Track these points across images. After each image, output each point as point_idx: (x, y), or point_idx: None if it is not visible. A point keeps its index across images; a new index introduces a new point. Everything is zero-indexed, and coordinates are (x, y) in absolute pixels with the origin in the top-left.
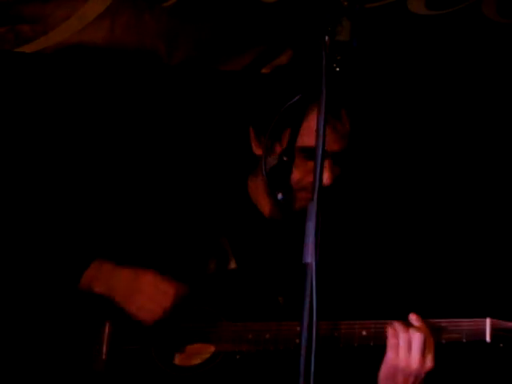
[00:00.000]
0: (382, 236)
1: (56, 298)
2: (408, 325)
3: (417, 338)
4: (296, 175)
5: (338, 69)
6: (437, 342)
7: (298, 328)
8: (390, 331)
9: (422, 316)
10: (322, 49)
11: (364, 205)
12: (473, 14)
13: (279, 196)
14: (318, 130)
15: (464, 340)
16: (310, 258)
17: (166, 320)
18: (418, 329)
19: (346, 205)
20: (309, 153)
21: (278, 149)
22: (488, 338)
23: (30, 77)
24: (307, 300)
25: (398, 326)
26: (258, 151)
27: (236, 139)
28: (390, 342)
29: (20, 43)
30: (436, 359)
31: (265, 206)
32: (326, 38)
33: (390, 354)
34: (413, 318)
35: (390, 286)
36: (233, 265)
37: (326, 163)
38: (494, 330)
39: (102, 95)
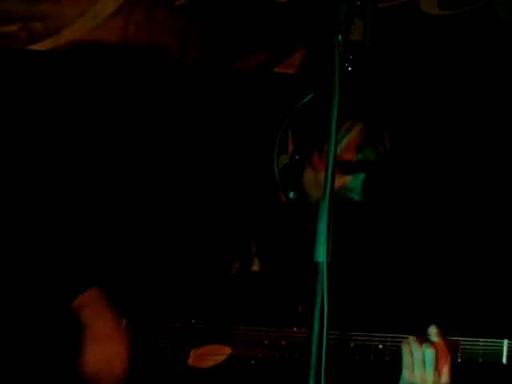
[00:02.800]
0: (402, 246)
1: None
2: (422, 340)
3: (429, 354)
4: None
5: (350, 68)
6: (452, 359)
7: None
8: (404, 349)
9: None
10: (335, 48)
11: (382, 215)
12: (485, 14)
13: (291, 195)
14: (330, 129)
15: (480, 360)
16: (321, 256)
17: (184, 317)
18: (430, 344)
19: (364, 215)
20: (346, 167)
21: (315, 160)
22: (505, 360)
23: (43, 75)
24: (318, 299)
25: (412, 343)
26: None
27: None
28: (405, 360)
29: (33, 41)
30: (453, 375)
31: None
32: (340, 36)
33: (405, 372)
34: (431, 331)
35: (408, 296)
36: (255, 267)
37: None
38: (511, 352)
39: (115, 94)
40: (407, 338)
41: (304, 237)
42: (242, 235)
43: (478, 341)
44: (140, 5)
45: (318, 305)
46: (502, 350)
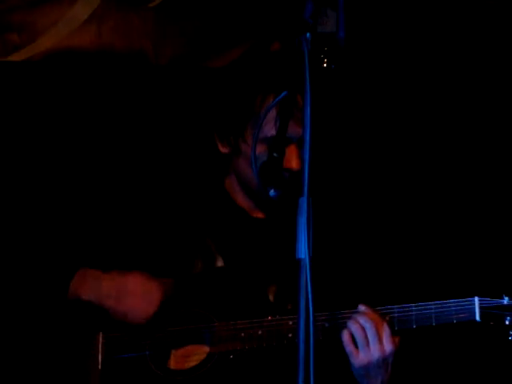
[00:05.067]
0: (367, 227)
1: (47, 312)
2: (357, 319)
3: (369, 328)
4: None
5: (325, 60)
6: (427, 325)
7: (290, 322)
8: (344, 338)
9: (414, 300)
10: (303, 45)
11: (353, 199)
12: None
13: (271, 192)
14: (304, 127)
15: (454, 321)
16: (303, 253)
17: (158, 323)
18: (366, 318)
19: (336, 199)
20: (270, 142)
21: (243, 146)
22: (478, 317)
23: (20, 86)
24: (302, 296)
25: (351, 326)
26: (223, 150)
27: (209, 139)
28: (347, 349)
29: (8, 52)
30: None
31: (243, 203)
32: (308, 34)
33: (352, 360)
34: (361, 309)
35: (376, 274)
36: (220, 263)
37: (292, 149)
38: (483, 309)
39: (92, 99)
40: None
41: (255, 225)
42: (199, 235)
43: (450, 302)
44: (113, 9)
45: (303, 301)
46: (474, 308)
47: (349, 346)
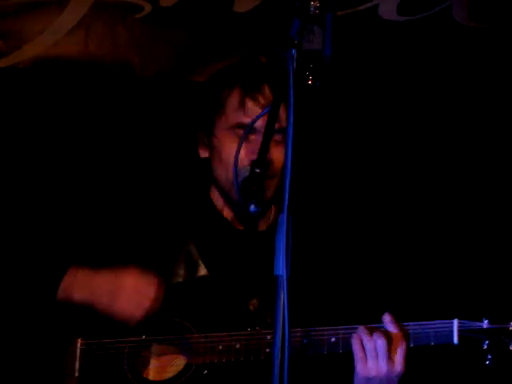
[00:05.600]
0: (349, 241)
1: (27, 317)
2: (373, 330)
3: (381, 345)
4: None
5: (311, 77)
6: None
7: (269, 337)
8: (354, 343)
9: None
10: (288, 62)
11: (334, 215)
12: (443, 19)
13: (252, 208)
14: (286, 147)
15: (432, 343)
16: (281, 270)
17: (150, 326)
18: (381, 334)
19: (317, 215)
20: (244, 129)
21: (215, 141)
22: (456, 340)
23: (4, 91)
24: (279, 313)
25: (362, 335)
26: (203, 154)
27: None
28: (357, 355)
29: None
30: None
31: (226, 213)
32: (293, 51)
33: (358, 367)
34: (384, 320)
35: (358, 291)
36: (203, 271)
37: (279, 138)
38: (462, 331)
39: (76, 108)
40: (357, 330)
41: (238, 237)
42: (183, 243)
43: (429, 324)
44: (100, 19)
45: (279, 318)
46: (453, 330)
47: (360, 352)
